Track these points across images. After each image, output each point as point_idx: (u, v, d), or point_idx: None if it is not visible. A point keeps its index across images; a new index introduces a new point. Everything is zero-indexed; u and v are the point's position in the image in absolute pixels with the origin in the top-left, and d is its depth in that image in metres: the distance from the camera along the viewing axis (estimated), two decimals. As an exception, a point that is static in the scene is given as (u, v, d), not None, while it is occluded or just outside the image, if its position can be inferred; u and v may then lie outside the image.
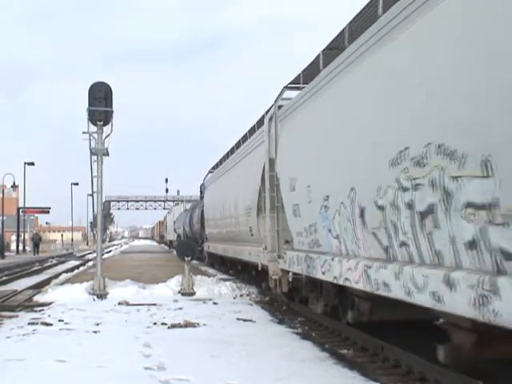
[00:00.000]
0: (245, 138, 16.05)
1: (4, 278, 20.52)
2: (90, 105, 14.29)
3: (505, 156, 4.00)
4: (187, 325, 9.61)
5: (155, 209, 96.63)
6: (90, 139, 14.38)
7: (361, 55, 6.74)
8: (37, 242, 45.74)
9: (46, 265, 30.82)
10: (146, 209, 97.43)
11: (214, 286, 14.57)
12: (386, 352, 7.18)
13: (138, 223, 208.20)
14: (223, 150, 18.77)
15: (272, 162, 10.72)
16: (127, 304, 12.31)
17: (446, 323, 5.40)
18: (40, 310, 11.59)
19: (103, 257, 17.86)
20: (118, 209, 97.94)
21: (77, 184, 64.24)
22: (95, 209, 15.47)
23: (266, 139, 11.13)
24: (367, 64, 6.56)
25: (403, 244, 5.71)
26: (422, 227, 5.27)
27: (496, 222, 4.18)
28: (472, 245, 4.50)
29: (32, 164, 48.31)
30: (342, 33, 7.93)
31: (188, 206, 39.90)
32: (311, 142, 8.61)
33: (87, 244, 72.10)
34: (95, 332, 9.03)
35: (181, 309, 11.58)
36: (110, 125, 14.40)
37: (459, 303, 4.61)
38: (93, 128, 14.40)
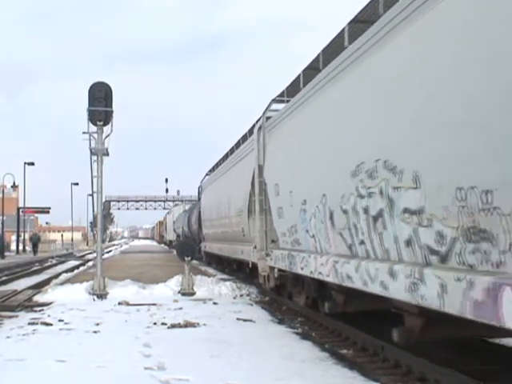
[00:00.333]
0: (238, 145, 17.08)
1: (4, 278, 20.52)
2: (90, 105, 14.29)
3: (427, 173, 5.08)
4: (187, 325, 9.61)
5: (155, 209, 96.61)
6: (89, 139, 14.39)
7: (328, 82, 7.84)
8: (35, 242, 45.47)
9: (46, 265, 30.82)
10: (146, 209, 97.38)
11: (213, 286, 14.57)
12: (386, 352, 7.18)
13: (138, 223, 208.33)
14: (223, 149, 19.19)
15: (261, 168, 11.68)
16: (127, 304, 12.31)
17: (400, 310, 6.33)
18: (40, 310, 11.59)
19: (103, 257, 17.86)
20: (118, 209, 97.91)
21: (77, 184, 64.29)
22: (95, 209, 15.47)
23: (255, 147, 12.02)
24: (333, 90, 7.66)
25: (362, 242, 6.75)
26: (375, 228, 6.31)
27: (423, 224, 5.20)
28: (409, 243, 5.55)
29: (32, 164, 48.33)
30: (317, 57, 9.07)
31: (187, 206, 40.97)
32: (293, 152, 9.56)
33: (87, 244, 72.11)
34: (95, 332, 9.03)
35: (181, 309, 11.58)
36: (110, 125, 14.41)
37: (398, 290, 5.66)
38: (93, 128, 14.41)
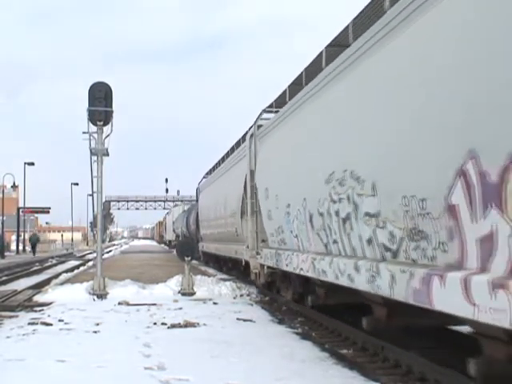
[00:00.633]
0: (233, 150, 17.85)
1: (4, 278, 20.53)
2: (90, 105, 14.28)
3: (382, 183, 5.94)
4: (187, 325, 9.61)
5: (155, 209, 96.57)
6: (89, 139, 14.39)
7: (307, 100, 8.81)
8: (34, 242, 44.80)
9: (46, 265, 30.83)
10: (146, 209, 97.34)
11: (213, 286, 14.57)
12: (386, 352, 7.18)
13: (138, 223, 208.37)
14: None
15: (252, 173, 12.46)
16: (127, 304, 12.31)
17: (369, 301, 7.14)
18: (40, 310, 11.59)
19: (103, 257, 17.85)
20: (118, 209, 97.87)
21: (77, 184, 64.31)
22: (95, 209, 15.47)
23: (247, 154, 12.89)
24: (310, 108, 8.64)
25: (335, 242, 7.64)
26: (344, 229, 7.17)
27: (380, 226, 6.08)
28: (369, 241, 6.44)
29: (32, 164, 48.35)
30: (300, 75, 9.81)
31: (186, 207, 41.89)
32: (280, 159, 10.43)
33: (87, 244, 72.14)
34: (95, 332, 9.03)
35: (181, 309, 11.58)
36: (110, 125, 14.41)
37: (361, 282, 6.54)
38: (93, 128, 14.41)
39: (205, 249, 24.17)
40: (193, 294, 13.93)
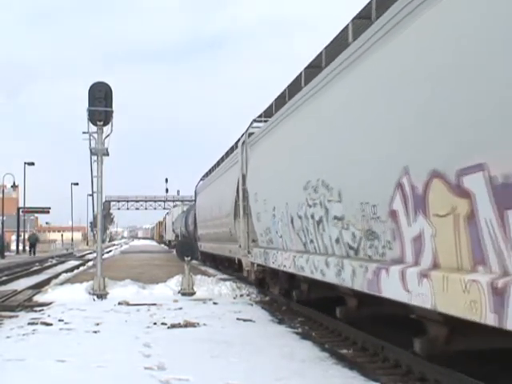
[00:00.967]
0: (227, 155, 18.74)
1: (4, 278, 20.53)
2: (89, 105, 14.28)
3: (346, 191, 6.92)
4: (187, 325, 9.61)
5: (155, 209, 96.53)
6: (89, 139, 14.39)
7: (288, 115, 9.78)
8: (33, 242, 44.27)
9: (46, 265, 30.83)
10: (146, 209, 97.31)
11: (213, 286, 14.57)
12: (386, 352, 7.18)
13: (138, 223, 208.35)
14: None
15: (244, 178, 13.31)
16: (127, 304, 12.31)
17: (343, 294, 8.17)
18: (40, 310, 11.59)
19: (103, 257, 17.85)
20: (118, 209, 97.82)
21: (77, 184, 64.30)
22: (95, 209, 15.47)
23: (239, 160, 13.74)
24: (290, 122, 9.56)
25: (311, 241, 8.62)
26: (318, 230, 8.16)
27: (344, 228, 7.07)
28: (337, 241, 7.45)
29: (32, 164, 48.34)
30: (284, 91, 10.80)
31: (185, 208, 42.92)
32: (267, 167, 11.34)
33: (87, 244, 72.14)
34: (95, 332, 9.03)
35: (181, 309, 11.58)
36: (110, 125, 14.41)
37: (331, 276, 7.57)
38: (93, 128, 14.41)
39: (202, 248, 24.83)
40: (193, 293, 13.94)
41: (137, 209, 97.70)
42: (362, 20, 6.97)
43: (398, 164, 5.38)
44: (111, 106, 14.40)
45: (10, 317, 10.81)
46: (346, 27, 7.49)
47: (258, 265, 12.71)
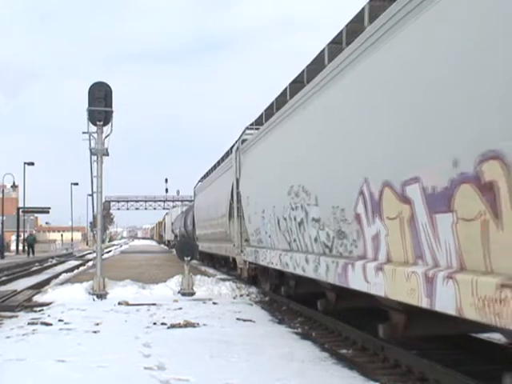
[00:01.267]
0: (223, 159, 19.59)
1: (4, 278, 20.53)
2: (89, 105, 14.28)
3: (322, 196, 7.84)
4: (187, 325, 9.61)
5: (155, 209, 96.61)
6: (89, 139, 14.37)
7: (275, 126, 10.65)
8: (31, 242, 43.70)
9: (46, 265, 30.82)
10: (145, 209, 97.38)
11: (213, 286, 14.57)
12: (385, 352, 7.18)
13: (138, 223, 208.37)
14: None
15: (238, 182, 14.25)
16: (127, 304, 12.31)
17: (324, 288, 9.00)
18: (40, 310, 11.59)
19: (103, 257, 17.85)
20: (118, 209, 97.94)
21: (77, 184, 64.30)
22: (95, 209, 15.45)
23: (233, 165, 14.64)
24: (276, 133, 10.58)
25: (294, 240, 9.56)
26: (300, 231, 9.10)
27: (321, 229, 7.98)
28: (315, 240, 8.36)
29: (32, 164, 48.31)
30: (271, 104, 11.73)
31: (184, 208, 44.01)
32: (257, 172, 12.30)
33: (87, 244, 72.13)
34: (95, 332, 9.03)
35: (180, 309, 11.58)
36: (109, 125, 14.40)
37: (309, 271, 8.59)
38: (93, 128, 14.40)
39: (200, 248, 25.55)
40: (192, 294, 13.94)
41: (136, 209, 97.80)
42: (336, 45, 8.01)
43: (360, 175, 6.33)
44: (111, 106, 14.40)
45: (10, 317, 10.81)
46: (323, 50, 8.47)
47: (250, 263, 13.67)
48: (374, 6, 6.70)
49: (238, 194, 14.16)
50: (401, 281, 5.43)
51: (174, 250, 36.64)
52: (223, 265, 21.93)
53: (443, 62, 4.62)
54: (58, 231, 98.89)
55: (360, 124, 6.39)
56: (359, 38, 6.57)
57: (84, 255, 43.44)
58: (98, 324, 9.71)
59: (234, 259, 15.92)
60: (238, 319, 10.30)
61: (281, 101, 10.77)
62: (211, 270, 23.27)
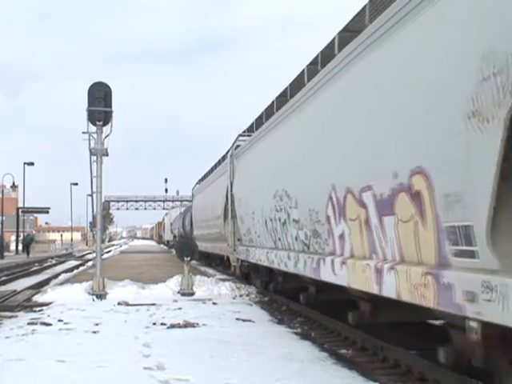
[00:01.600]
0: (220, 163, 20.49)
1: (3, 278, 20.52)
2: (89, 105, 14.28)
3: (300, 200, 8.77)
4: (187, 325, 9.61)
5: (154, 209, 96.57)
6: (89, 139, 14.38)
7: (264, 135, 11.73)
8: (29, 243, 43.64)
9: (46, 265, 30.81)
10: (145, 209, 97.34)
11: (213, 286, 14.57)
12: (385, 352, 7.18)
13: (138, 223, 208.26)
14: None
15: (231, 185, 15.23)
16: (126, 304, 12.31)
17: (307, 283, 9.89)
18: (39, 310, 11.60)
19: (102, 257, 17.85)
20: (118, 209, 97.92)
21: (76, 184, 64.30)
22: (95, 209, 15.45)
23: (228, 169, 15.64)
24: (265, 140, 11.57)
25: (279, 239, 10.57)
26: (283, 231, 10.09)
27: (300, 229, 8.95)
28: (296, 239, 9.36)
29: (31, 164, 48.31)
30: (261, 115, 12.86)
31: (183, 209, 45.08)
32: (248, 177, 13.38)
33: (87, 244, 72.08)
34: (94, 332, 9.03)
35: (180, 309, 11.58)
36: (109, 125, 14.40)
37: (291, 266, 9.66)
38: (92, 128, 14.40)
39: (198, 247, 25.89)
40: (192, 294, 13.94)
41: (136, 209, 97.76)
42: (313, 66, 8.96)
43: (330, 182, 7.30)
44: (111, 106, 14.40)
45: (10, 317, 10.81)
46: (302, 71, 9.44)
47: (243, 260, 14.79)
48: (343, 37, 7.59)
49: (231, 196, 15.09)
50: (359, 272, 6.51)
51: (173, 249, 36.63)
52: (219, 264, 22.94)
53: (380, 104, 5.81)
54: (58, 231, 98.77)
55: (328, 141, 7.57)
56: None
57: (84, 255, 43.42)
58: (97, 324, 9.71)
59: (228, 258, 16.87)
60: (237, 319, 10.30)
61: (269, 112, 11.80)
62: (211, 270, 23.27)
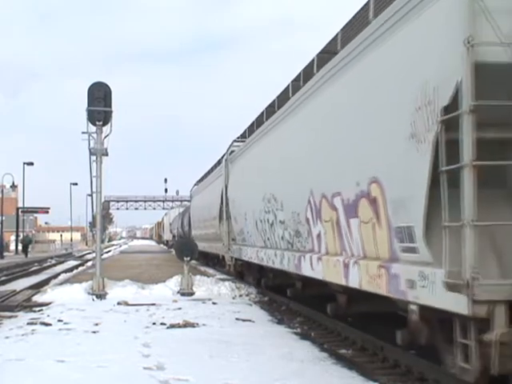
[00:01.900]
0: (216, 166, 21.15)
1: (3, 278, 20.51)
2: (89, 105, 14.28)
3: (286, 203, 9.58)
4: (186, 325, 9.61)
5: (154, 209, 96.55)
6: (89, 139, 14.38)
7: (255, 141, 12.53)
8: (27, 244, 43.29)
9: (45, 265, 30.81)
10: (145, 209, 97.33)
11: (213, 286, 14.58)
12: (385, 352, 7.18)
13: (137, 223, 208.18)
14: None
15: (226, 188, 16.02)
16: (126, 304, 12.31)
17: (294, 279, 10.74)
18: (39, 310, 11.60)
19: (102, 257, 17.84)
20: (117, 209, 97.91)
21: (76, 184, 64.32)
22: (94, 209, 15.45)
23: (223, 173, 16.46)
24: (257, 146, 12.29)
25: (268, 239, 11.44)
26: (271, 231, 10.93)
27: (285, 229, 9.76)
28: (282, 238, 10.20)
29: (31, 164, 48.31)
30: (252, 124, 13.87)
31: (181, 210, 45.55)
32: (241, 180, 14.29)
33: (86, 244, 72.06)
34: (94, 332, 9.03)
35: (180, 309, 11.58)
36: (109, 125, 14.40)
37: (277, 263, 10.64)
38: (92, 128, 14.39)
39: None
40: (192, 294, 13.94)
41: (136, 209, 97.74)
42: (297, 82, 9.65)
43: (308, 188, 8.12)
44: (110, 106, 14.40)
45: (10, 317, 10.81)
46: (287, 87, 10.27)
47: (236, 259, 15.69)
48: (321, 58, 8.23)
49: (226, 198, 15.92)
50: (331, 267, 7.46)
51: (172, 249, 36.68)
52: (215, 263, 24.18)
53: (344, 125, 6.76)
54: (58, 231, 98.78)
55: (306, 151, 8.39)
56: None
57: (83, 255, 43.41)
58: (97, 324, 9.71)
59: (223, 257, 17.84)
60: (237, 319, 10.30)
61: (260, 121, 12.72)
62: (211, 270, 23.28)
